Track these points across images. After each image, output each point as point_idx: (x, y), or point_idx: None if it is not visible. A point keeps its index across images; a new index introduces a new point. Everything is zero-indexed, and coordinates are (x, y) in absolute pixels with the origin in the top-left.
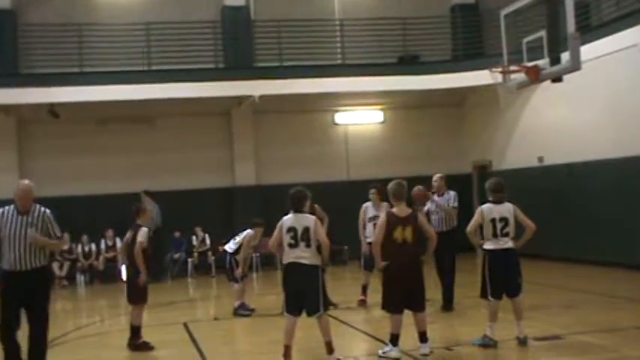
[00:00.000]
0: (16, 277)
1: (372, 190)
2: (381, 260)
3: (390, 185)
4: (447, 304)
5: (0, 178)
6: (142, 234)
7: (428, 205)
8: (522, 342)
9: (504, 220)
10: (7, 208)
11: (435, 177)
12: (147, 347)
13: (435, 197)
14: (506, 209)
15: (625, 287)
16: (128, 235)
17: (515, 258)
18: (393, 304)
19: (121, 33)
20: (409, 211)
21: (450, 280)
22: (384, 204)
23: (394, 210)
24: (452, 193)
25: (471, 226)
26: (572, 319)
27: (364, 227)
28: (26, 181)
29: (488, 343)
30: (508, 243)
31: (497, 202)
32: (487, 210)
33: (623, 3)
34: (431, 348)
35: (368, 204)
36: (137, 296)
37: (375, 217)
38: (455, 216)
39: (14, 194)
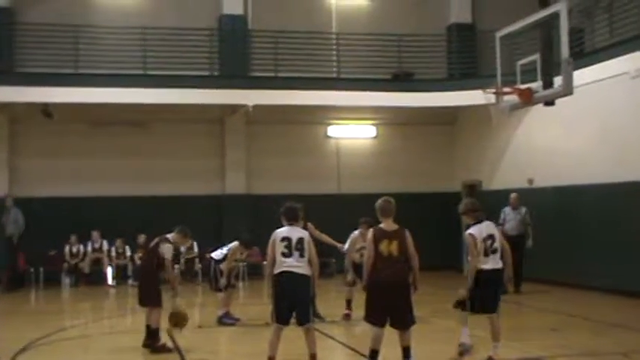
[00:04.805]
0: None
1: (362, 220)
2: (366, 280)
3: (378, 202)
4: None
5: None
6: (167, 251)
7: (503, 215)
8: None
9: (491, 238)
10: None
11: (512, 195)
12: (165, 350)
13: (507, 209)
14: (490, 227)
15: (611, 312)
16: (153, 242)
17: (502, 278)
18: (374, 315)
19: (118, 36)
20: (396, 227)
21: (518, 258)
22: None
23: (381, 225)
24: (523, 209)
25: (474, 256)
26: (555, 342)
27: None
28: None
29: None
30: (499, 263)
31: (480, 221)
32: (477, 232)
33: (616, 31)
34: None
35: (357, 234)
36: (150, 299)
37: (362, 248)
38: (526, 225)
39: None
